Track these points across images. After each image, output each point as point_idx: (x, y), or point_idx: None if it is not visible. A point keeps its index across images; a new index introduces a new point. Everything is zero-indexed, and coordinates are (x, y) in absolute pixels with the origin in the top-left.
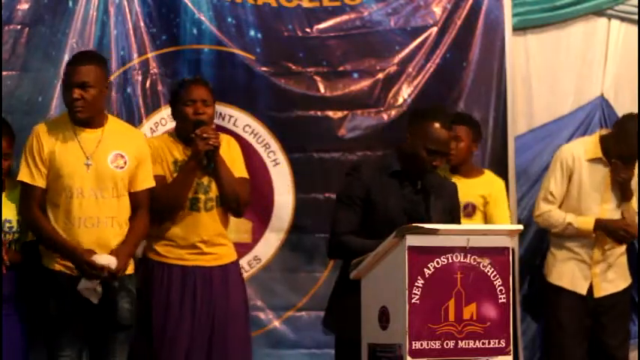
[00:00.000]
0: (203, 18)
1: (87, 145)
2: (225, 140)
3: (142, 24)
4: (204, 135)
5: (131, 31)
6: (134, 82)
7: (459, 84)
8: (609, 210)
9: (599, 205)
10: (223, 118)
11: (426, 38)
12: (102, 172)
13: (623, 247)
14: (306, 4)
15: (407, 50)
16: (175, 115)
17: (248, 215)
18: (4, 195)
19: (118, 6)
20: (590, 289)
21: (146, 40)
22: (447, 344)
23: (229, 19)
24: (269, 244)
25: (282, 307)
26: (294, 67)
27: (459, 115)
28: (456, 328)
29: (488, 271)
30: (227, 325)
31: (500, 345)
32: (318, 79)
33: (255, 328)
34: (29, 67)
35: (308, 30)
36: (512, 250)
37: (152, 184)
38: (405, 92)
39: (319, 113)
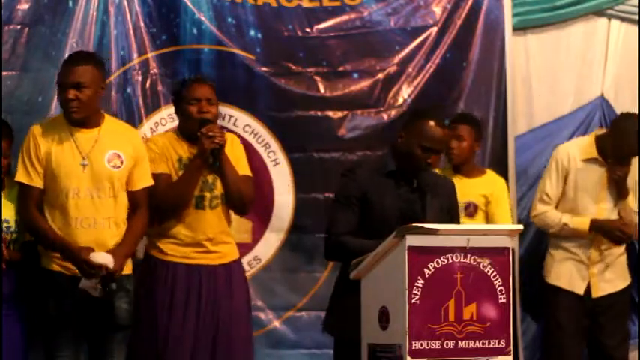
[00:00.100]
0: (203, 18)
1: (83, 145)
2: (229, 139)
3: (142, 24)
4: (210, 133)
5: (131, 31)
6: (134, 82)
7: (459, 84)
8: (606, 210)
9: (596, 205)
10: (223, 118)
11: (426, 38)
12: (98, 172)
13: (622, 247)
14: (306, 4)
15: (407, 50)
16: (179, 113)
17: (248, 215)
18: (3, 195)
19: (118, 6)
20: (588, 289)
21: (146, 40)
22: (447, 344)
23: (229, 19)
24: (269, 244)
25: (282, 307)
26: (294, 67)
27: (461, 114)
28: (456, 328)
29: (488, 271)
30: (231, 325)
31: (500, 345)
32: (318, 79)
33: (255, 328)
34: (29, 67)
35: (308, 30)
36: (513, 250)
37: (150, 182)
38: (405, 92)
39: (319, 113)
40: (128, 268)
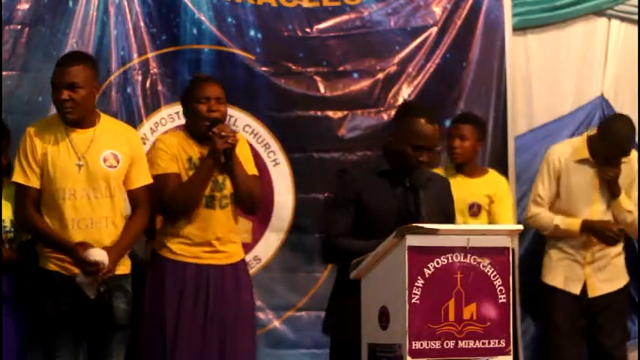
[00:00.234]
0: (203, 18)
1: (78, 145)
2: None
3: (142, 24)
4: (223, 133)
5: (131, 31)
6: (134, 82)
7: (459, 84)
8: (599, 210)
9: (589, 206)
10: None
11: (426, 38)
12: (94, 172)
13: (619, 247)
14: (306, 4)
15: (407, 50)
16: (188, 112)
17: (248, 215)
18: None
19: (118, 6)
20: (585, 290)
21: (146, 40)
22: (447, 344)
23: (229, 19)
24: (269, 244)
25: (282, 307)
26: (294, 67)
27: (464, 114)
28: (456, 328)
29: (488, 271)
30: (237, 324)
31: (500, 345)
32: (318, 79)
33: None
34: (29, 67)
35: (308, 30)
36: (513, 250)
37: (149, 180)
38: (405, 92)
39: (319, 113)
40: (126, 268)
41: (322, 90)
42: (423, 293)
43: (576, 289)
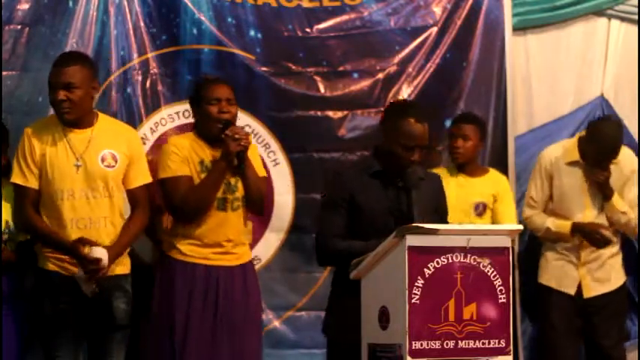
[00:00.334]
0: (203, 18)
1: (76, 145)
2: None
3: (142, 24)
4: (237, 135)
5: (131, 31)
6: (134, 82)
7: (459, 84)
8: (592, 212)
9: (582, 207)
10: None
11: (426, 38)
12: (92, 171)
13: (615, 248)
14: (306, 4)
15: (407, 50)
16: (198, 114)
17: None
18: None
19: (118, 6)
20: (581, 290)
21: (146, 40)
22: (447, 344)
23: (229, 19)
24: (269, 244)
25: (282, 307)
26: (294, 67)
27: (466, 114)
28: (456, 328)
29: (488, 271)
30: (246, 325)
31: (500, 345)
32: (318, 79)
33: None
34: (29, 67)
35: (308, 30)
36: (513, 250)
37: (148, 179)
38: (405, 92)
39: (319, 113)
40: (126, 268)
41: (322, 90)
42: (423, 293)
43: (571, 290)
